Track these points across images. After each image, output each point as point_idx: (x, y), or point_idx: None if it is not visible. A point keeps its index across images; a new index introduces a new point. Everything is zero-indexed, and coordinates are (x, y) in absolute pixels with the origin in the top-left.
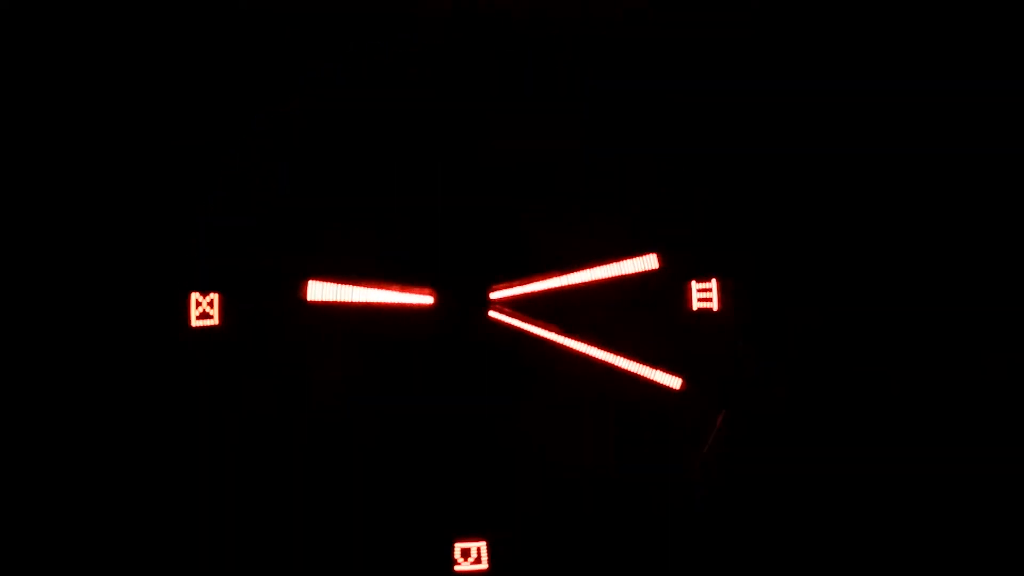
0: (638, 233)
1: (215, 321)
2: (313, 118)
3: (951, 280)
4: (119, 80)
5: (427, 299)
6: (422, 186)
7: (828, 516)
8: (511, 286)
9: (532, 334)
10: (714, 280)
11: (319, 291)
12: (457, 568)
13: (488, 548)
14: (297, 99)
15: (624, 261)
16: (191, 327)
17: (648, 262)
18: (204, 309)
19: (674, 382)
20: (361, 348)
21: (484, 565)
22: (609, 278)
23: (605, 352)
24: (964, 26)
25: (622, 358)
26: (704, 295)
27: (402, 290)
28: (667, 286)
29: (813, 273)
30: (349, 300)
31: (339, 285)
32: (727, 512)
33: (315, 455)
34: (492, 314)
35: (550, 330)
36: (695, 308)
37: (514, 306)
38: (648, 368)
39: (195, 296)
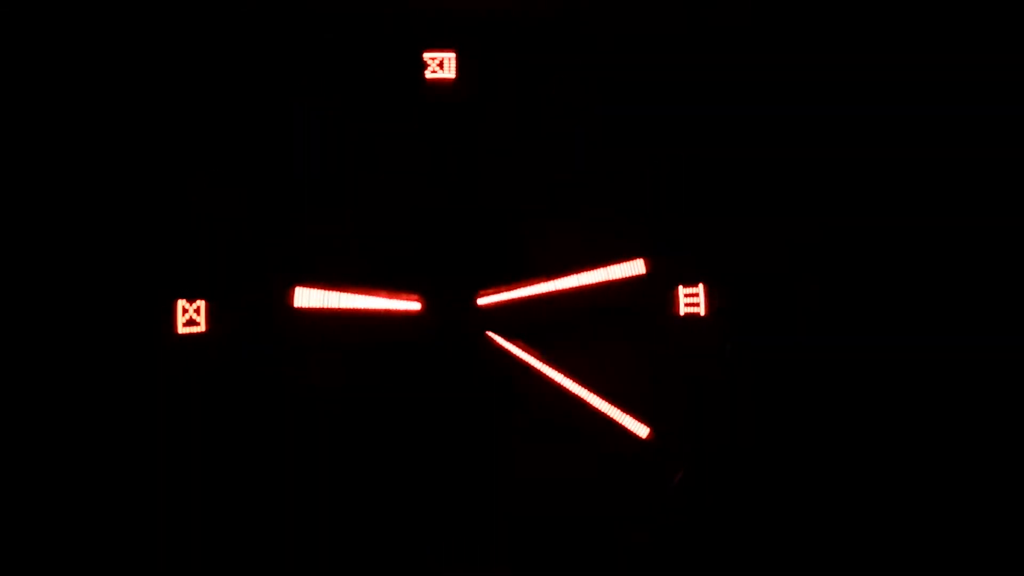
0: (626, 238)
1: (202, 328)
2: (304, 124)
3: (948, 283)
4: (111, 82)
5: (414, 305)
6: (410, 193)
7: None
8: (498, 292)
9: (512, 354)
10: (701, 285)
11: (306, 297)
12: None
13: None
14: (292, 103)
15: (612, 266)
16: (178, 334)
17: (636, 267)
18: (191, 316)
19: (642, 430)
20: (347, 355)
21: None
22: (597, 283)
23: (579, 387)
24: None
25: (596, 396)
26: (691, 300)
27: (389, 296)
28: (654, 291)
29: (802, 276)
30: (336, 306)
31: (326, 291)
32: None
33: (301, 461)
34: (475, 327)
35: (531, 354)
36: (682, 313)
37: (501, 312)
38: (618, 411)
39: (182, 303)
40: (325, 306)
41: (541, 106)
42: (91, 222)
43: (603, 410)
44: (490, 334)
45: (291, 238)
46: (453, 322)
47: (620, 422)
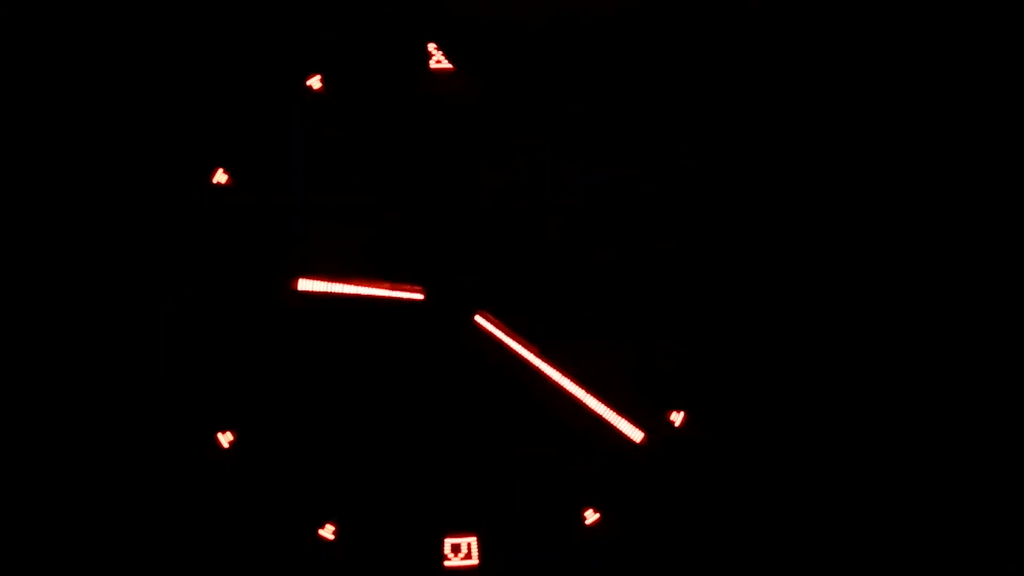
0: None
1: (203, 322)
2: (307, 117)
3: (950, 288)
4: (111, 77)
5: (417, 296)
6: (415, 185)
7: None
8: (503, 286)
9: (510, 348)
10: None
11: (309, 288)
12: (447, 563)
13: (478, 543)
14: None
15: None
16: (177, 327)
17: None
18: (191, 310)
19: (636, 434)
20: (350, 346)
21: (474, 560)
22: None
23: (576, 387)
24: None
25: (592, 397)
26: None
27: (392, 288)
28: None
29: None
30: (338, 298)
31: (329, 283)
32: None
33: (306, 452)
34: (478, 319)
35: (529, 349)
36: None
37: (506, 306)
38: (614, 414)
39: (183, 297)
40: (328, 298)
41: (545, 100)
42: (90, 218)
43: (598, 411)
44: (491, 328)
45: (294, 231)
46: (455, 314)
47: (615, 425)
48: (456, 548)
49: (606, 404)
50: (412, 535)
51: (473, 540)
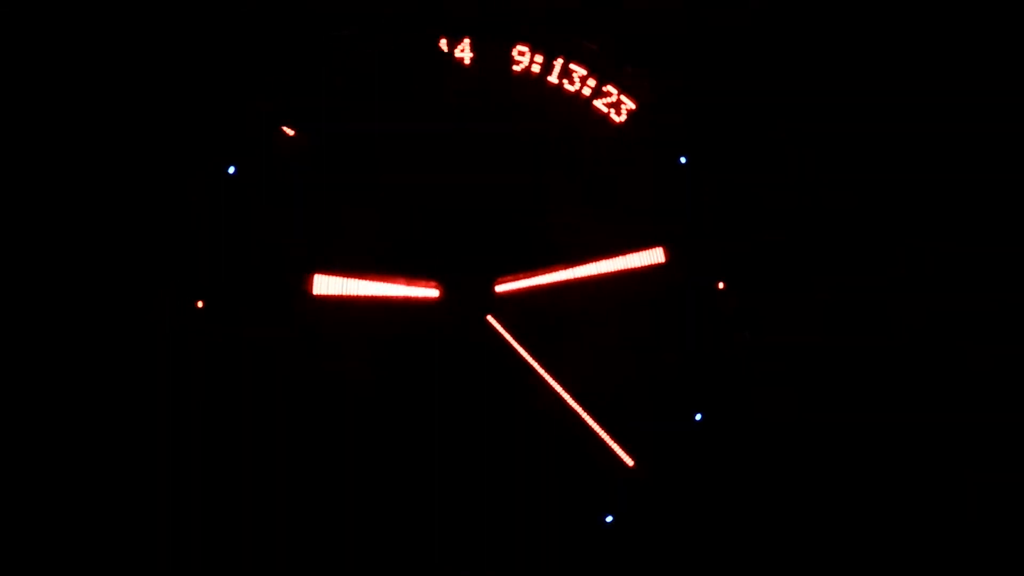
0: (645, 227)
1: (221, 317)
2: (318, 112)
3: (948, 274)
4: (118, 74)
5: (432, 292)
6: (428, 179)
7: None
8: (516, 279)
9: (519, 354)
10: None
11: (324, 285)
12: None
13: None
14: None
15: (631, 255)
16: (197, 322)
17: (655, 256)
18: (211, 305)
19: (628, 460)
20: (365, 342)
21: None
22: (615, 272)
23: (576, 403)
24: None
25: (587, 414)
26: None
27: (407, 284)
28: (671, 281)
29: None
30: (354, 294)
31: (345, 279)
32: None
33: (316, 452)
34: (489, 319)
35: (535, 358)
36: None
37: (519, 301)
38: (607, 435)
39: (204, 291)
40: (344, 293)
41: (560, 94)
42: (106, 208)
43: (595, 429)
44: (501, 330)
45: (310, 226)
46: (469, 311)
47: (609, 445)
48: None
49: (601, 424)
50: (422, 539)
51: None
